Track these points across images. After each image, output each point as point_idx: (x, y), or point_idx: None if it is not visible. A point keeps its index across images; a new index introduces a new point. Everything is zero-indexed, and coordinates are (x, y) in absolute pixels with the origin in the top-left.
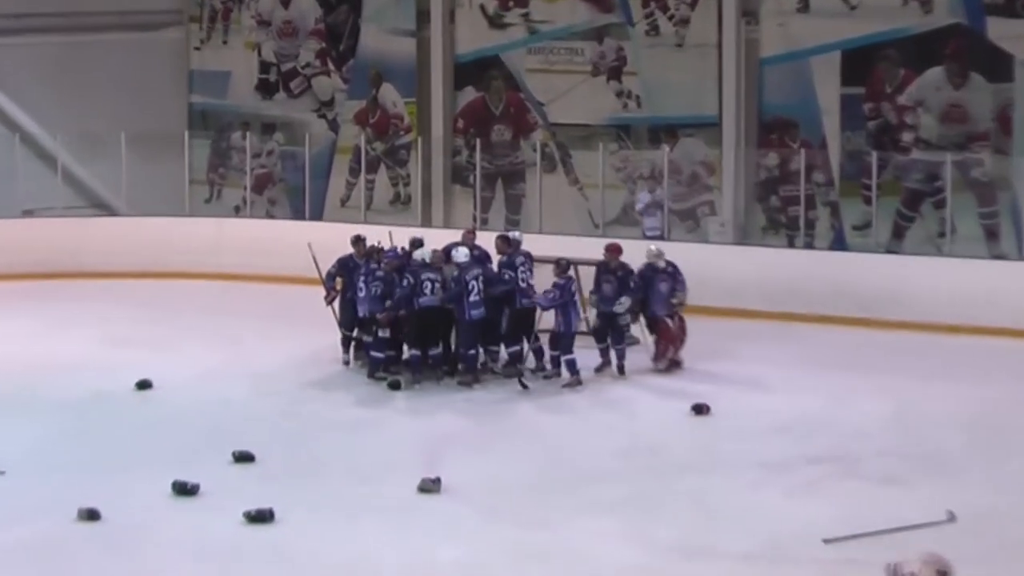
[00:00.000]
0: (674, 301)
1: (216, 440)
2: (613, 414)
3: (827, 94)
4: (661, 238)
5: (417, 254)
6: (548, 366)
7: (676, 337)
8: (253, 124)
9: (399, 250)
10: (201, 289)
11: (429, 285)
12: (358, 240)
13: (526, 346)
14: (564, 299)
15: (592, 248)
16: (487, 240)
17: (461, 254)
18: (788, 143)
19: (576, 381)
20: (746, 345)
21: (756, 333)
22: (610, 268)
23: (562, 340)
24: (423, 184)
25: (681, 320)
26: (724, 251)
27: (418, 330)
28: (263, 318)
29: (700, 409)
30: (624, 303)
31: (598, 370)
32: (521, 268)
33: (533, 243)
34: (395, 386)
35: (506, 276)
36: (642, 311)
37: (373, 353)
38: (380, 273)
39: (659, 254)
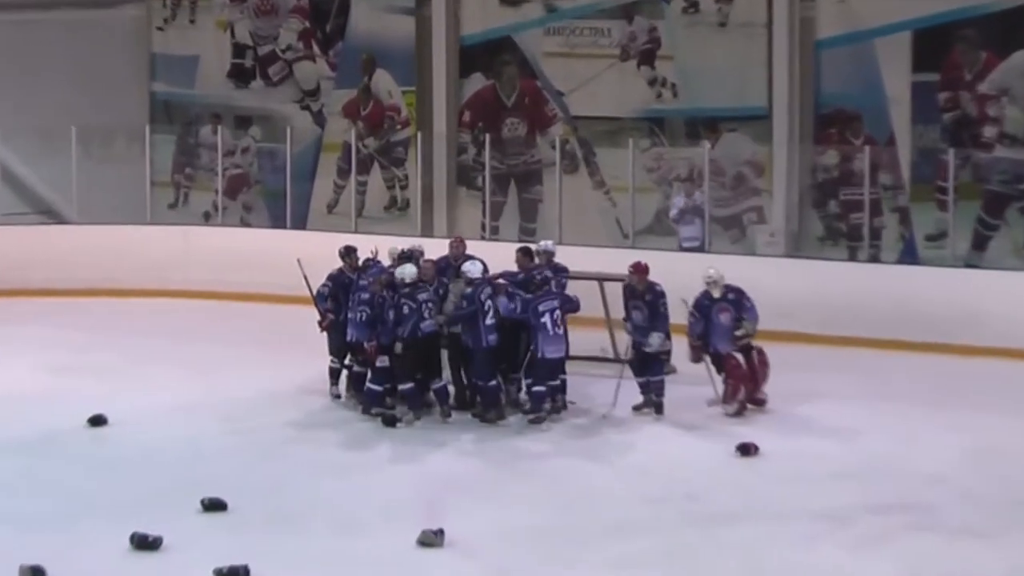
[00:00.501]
0: (738, 334)
1: (182, 485)
2: (644, 455)
3: (895, 82)
4: (700, 249)
5: (399, 273)
6: (560, 399)
7: (746, 375)
8: (225, 117)
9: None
10: (165, 309)
11: (427, 308)
12: (348, 252)
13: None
14: (526, 312)
15: (620, 261)
16: (497, 253)
17: (475, 268)
18: (849, 139)
19: (539, 419)
20: (800, 375)
21: (812, 360)
22: (637, 292)
23: (534, 367)
24: (423, 187)
25: (760, 352)
26: (774, 265)
27: (414, 361)
28: (238, 343)
29: (747, 449)
30: (655, 342)
31: (637, 408)
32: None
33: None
34: (390, 422)
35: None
36: (704, 347)
37: (370, 385)
38: (365, 296)
39: (716, 280)
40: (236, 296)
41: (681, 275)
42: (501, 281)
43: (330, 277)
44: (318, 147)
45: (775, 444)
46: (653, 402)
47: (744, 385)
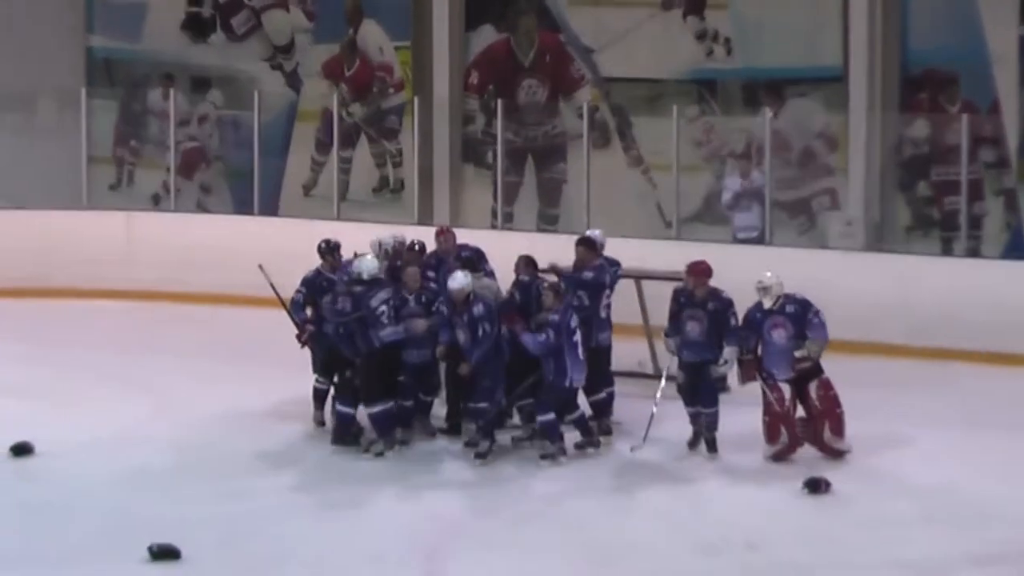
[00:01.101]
0: (798, 354)
1: (126, 529)
2: (690, 496)
3: (1000, 36)
4: (759, 241)
5: (357, 266)
6: (605, 422)
7: (784, 414)
8: (179, 78)
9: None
10: (104, 313)
11: (384, 310)
12: (330, 249)
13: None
14: (559, 342)
15: (662, 255)
16: (511, 246)
17: (487, 287)
18: (943, 106)
19: (558, 450)
20: (882, 394)
21: (896, 377)
22: (695, 300)
23: (546, 394)
24: (421, 165)
25: (824, 385)
26: (851, 261)
27: (378, 377)
28: (194, 355)
29: (817, 486)
30: (729, 359)
31: (692, 445)
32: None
33: (572, 248)
34: (375, 452)
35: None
36: (757, 366)
37: (340, 408)
38: (339, 304)
39: (769, 287)
40: (192, 297)
41: (735, 272)
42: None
43: (305, 281)
44: (292, 115)
45: (851, 480)
46: (704, 438)
47: (785, 427)
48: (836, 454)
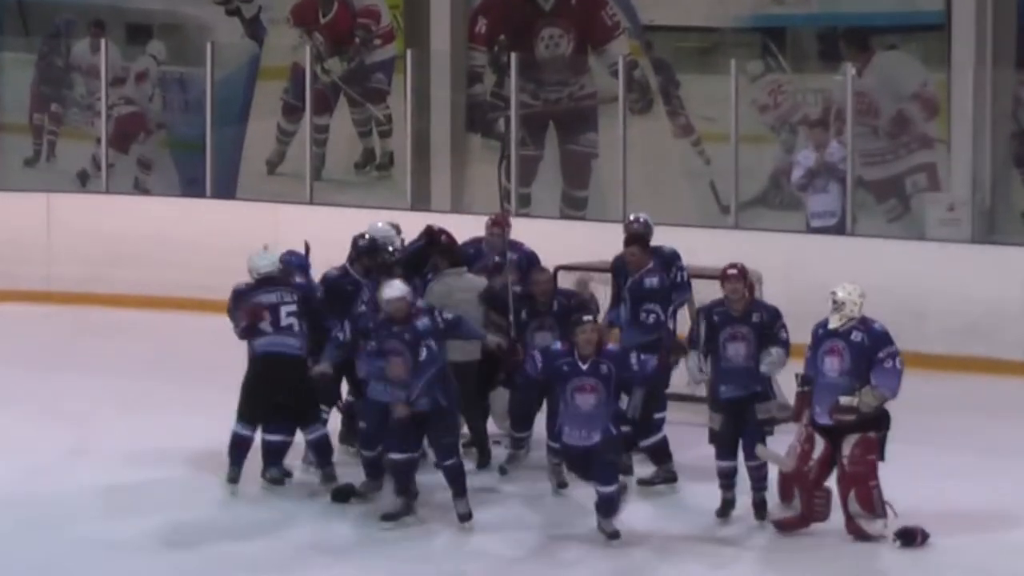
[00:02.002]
0: (843, 402)
1: None
2: (755, 543)
3: None
4: (839, 229)
5: (255, 263)
6: (667, 467)
7: (805, 475)
8: (112, 25)
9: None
10: (16, 319)
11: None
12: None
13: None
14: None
15: (717, 247)
16: (529, 236)
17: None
18: None
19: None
20: (994, 422)
21: (1014, 399)
22: (734, 313)
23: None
24: (416, 135)
25: (865, 447)
26: (955, 254)
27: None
28: (127, 373)
29: (910, 537)
30: (774, 360)
31: (723, 513)
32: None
33: (604, 239)
34: (343, 496)
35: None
36: (808, 400)
37: (267, 436)
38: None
39: (843, 302)
40: (126, 301)
41: (808, 268)
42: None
43: (326, 279)
44: (253, 73)
45: (955, 529)
46: (753, 500)
47: (801, 490)
48: (862, 535)
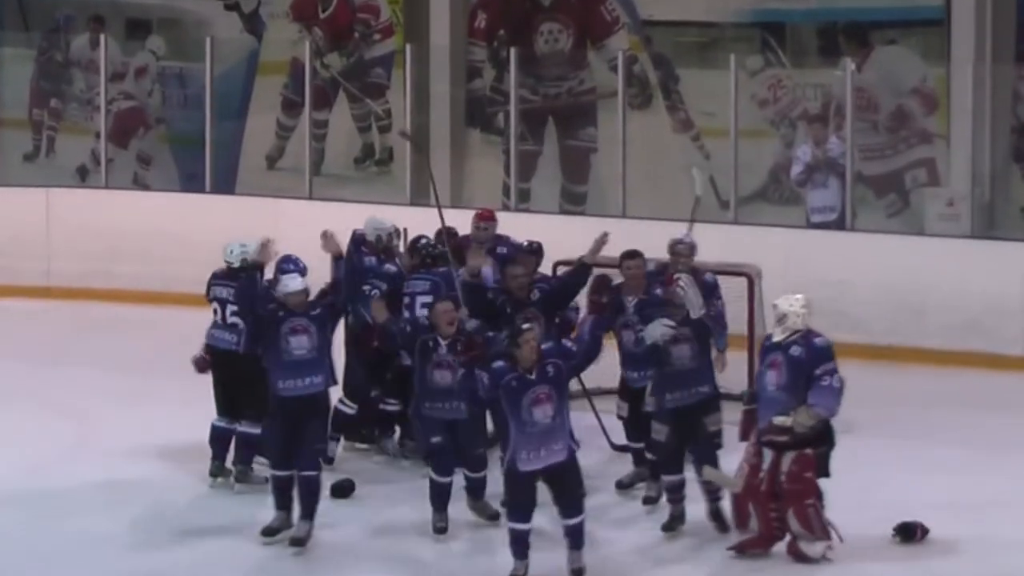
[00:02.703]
0: (776, 421)
1: None
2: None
3: None
4: (839, 225)
5: (225, 253)
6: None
7: (756, 489)
8: (111, 21)
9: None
10: (16, 315)
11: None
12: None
13: None
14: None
15: (718, 243)
16: (531, 231)
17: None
18: None
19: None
20: (995, 417)
21: (1014, 395)
22: (782, 340)
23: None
24: (416, 130)
25: (803, 464)
26: (954, 249)
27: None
28: (127, 368)
29: (910, 532)
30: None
31: (669, 528)
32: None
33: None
34: (343, 492)
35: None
36: (754, 418)
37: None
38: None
39: (784, 314)
40: (126, 296)
41: (809, 263)
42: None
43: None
44: (252, 68)
45: (955, 524)
46: (708, 511)
47: (756, 509)
48: (801, 557)
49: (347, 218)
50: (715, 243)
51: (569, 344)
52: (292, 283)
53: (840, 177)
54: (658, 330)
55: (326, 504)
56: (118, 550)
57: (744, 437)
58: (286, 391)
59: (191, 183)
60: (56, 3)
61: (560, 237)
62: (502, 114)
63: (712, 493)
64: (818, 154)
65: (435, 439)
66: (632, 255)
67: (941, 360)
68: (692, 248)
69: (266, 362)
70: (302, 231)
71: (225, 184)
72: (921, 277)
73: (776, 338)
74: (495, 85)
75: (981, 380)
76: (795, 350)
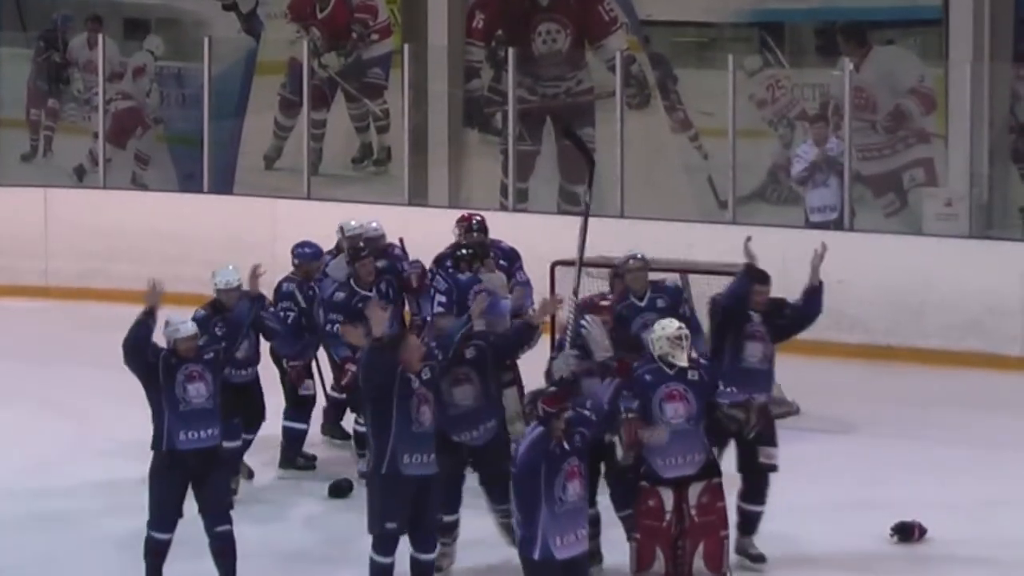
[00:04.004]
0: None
1: None
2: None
3: None
4: (838, 224)
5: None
6: None
7: (664, 532)
8: (109, 21)
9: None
10: (14, 314)
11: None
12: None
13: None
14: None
15: (715, 243)
16: (528, 233)
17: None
18: None
19: None
20: (994, 417)
21: (1012, 394)
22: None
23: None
24: (413, 130)
25: (714, 493)
26: (952, 249)
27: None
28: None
29: (908, 532)
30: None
31: None
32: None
33: (607, 236)
34: (340, 492)
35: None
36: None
37: (288, 423)
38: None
39: (667, 337)
40: (124, 296)
41: (807, 263)
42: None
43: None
44: (250, 68)
45: (953, 523)
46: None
47: (664, 551)
48: None
49: (344, 218)
50: (713, 243)
51: (587, 412)
52: (183, 328)
53: (839, 177)
54: (564, 363)
55: (325, 505)
56: (118, 550)
57: (632, 442)
58: (185, 444)
59: (189, 183)
60: (54, 3)
61: (558, 237)
62: (500, 114)
63: (631, 531)
64: (818, 154)
65: (391, 525)
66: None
67: (940, 360)
68: (646, 264)
69: (154, 415)
70: (300, 231)
71: (223, 184)
72: (920, 277)
73: (679, 362)
74: (493, 85)
75: (980, 380)
76: (698, 373)
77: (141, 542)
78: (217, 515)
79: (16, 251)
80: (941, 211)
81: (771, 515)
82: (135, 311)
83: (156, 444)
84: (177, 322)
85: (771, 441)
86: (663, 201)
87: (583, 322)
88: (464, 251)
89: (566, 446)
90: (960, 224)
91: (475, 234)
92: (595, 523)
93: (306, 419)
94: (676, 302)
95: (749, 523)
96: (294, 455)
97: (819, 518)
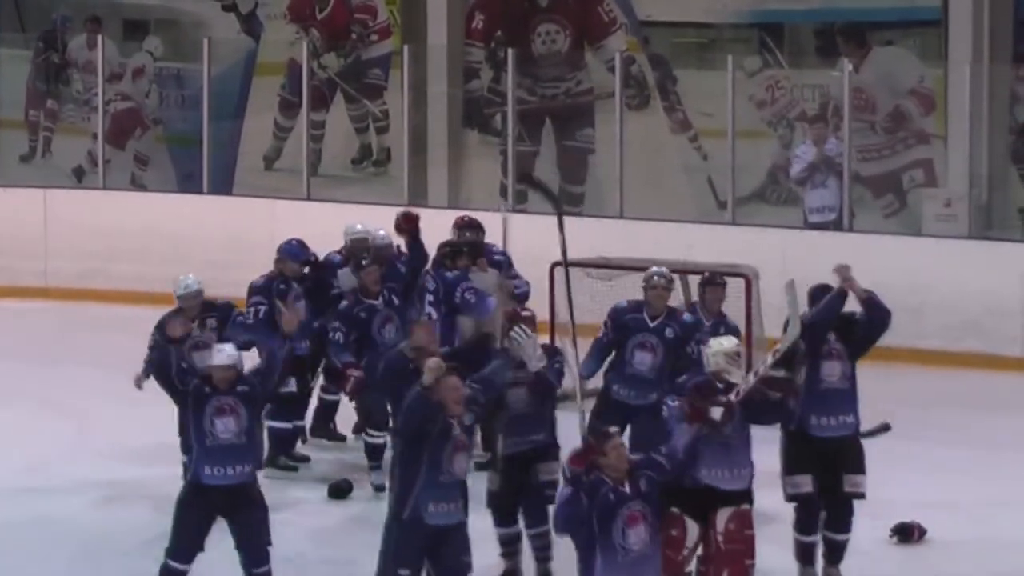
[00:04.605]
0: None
1: None
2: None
3: None
4: (837, 225)
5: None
6: None
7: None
8: (108, 21)
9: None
10: (14, 314)
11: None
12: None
13: None
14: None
15: (714, 243)
16: (527, 235)
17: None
18: None
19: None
20: (991, 417)
21: (1011, 395)
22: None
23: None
24: (413, 130)
25: (742, 520)
26: (952, 250)
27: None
28: (126, 368)
29: (907, 532)
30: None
31: None
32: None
33: (607, 237)
34: (340, 493)
35: None
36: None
37: (271, 423)
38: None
39: (724, 353)
40: (123, 297)
41: (806, 264)
42: None
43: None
44: (250, 69)
45: (952, 524)
46: (537, 572)
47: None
48: None
49: (344, 219)
50: (713, 243)
51: (660, 458)
52: (218, 356)
53: (839, 178)
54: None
55: (324, 504)
56: (118, 550)
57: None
58: (210, 479)
59: (188, 184)
60: (53, 4)
61: (557, 238)
62: (500, 115)
63: (541, 551)
64: (817, 155)
65: (404, 572)
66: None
67: (939, 360)
68: (669, 284)
69: (182, 446)
70: (299, 232)
71: (222, 185)
72: (919, 278)
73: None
74: (492, 86)
75: (979, 380)
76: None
77: (141, 542)
78: (255, 557)
79: (16, 252)
80: (940, 212)
81: (770, 516)
82: (135, 311)
83: (186, 472)
84: (217, 346)
85: (858, 468)
86: (663, 202)
87: (514, 332)
88: (449, 247)
89: (625, 489)
90: (959, 225)
91: (467, 233)
92: (513, 542)
93: (289, 418)
94: (686, 337)
95: (835, 552)
96: (277, 455)
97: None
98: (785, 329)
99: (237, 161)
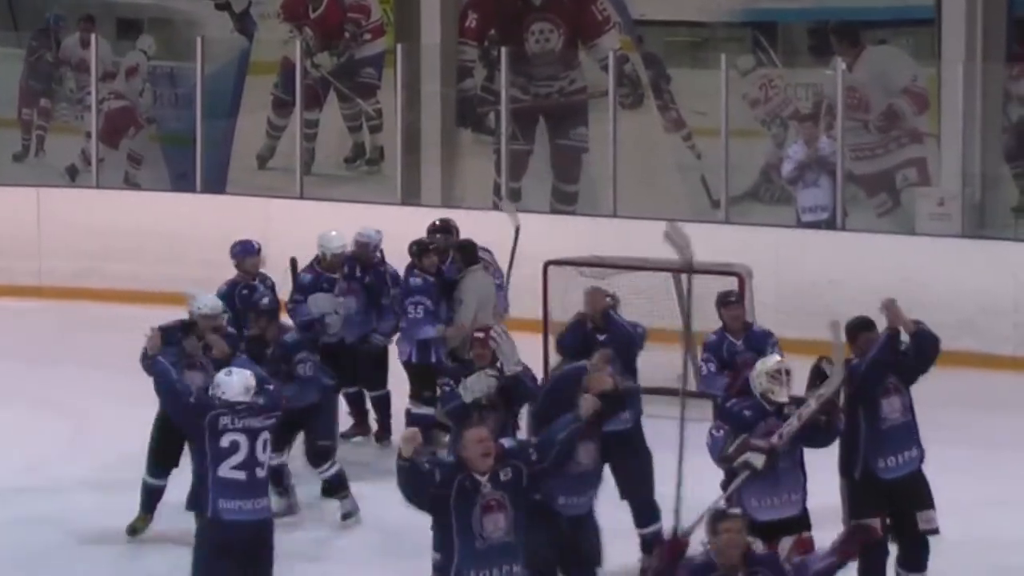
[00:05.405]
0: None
1: None
2: None
3: None
4: (830, 224)
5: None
6: None
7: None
8: (102, 20)
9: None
10: (8, 314)
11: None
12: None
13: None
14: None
15: (708, 242)
16: (510, 230)
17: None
18: None
19: None
20: (988, 416)
21: (1006, 394)
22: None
23: None
24: (406, 129)
25: (802, 545)
26: (945, 248)
27: None
28: (121, 368)
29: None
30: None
31: None
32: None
33: (600, 236)
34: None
35: None
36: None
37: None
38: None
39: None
40: (117, 295)
41: (799, 263)
42: None
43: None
44: (243, 68)
45: (950, 524)
46: None
47: None
48: None
49: (337, 218)
50: (706, 242)
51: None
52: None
53: (832, 176)
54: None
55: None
56: (116, 550)
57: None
58: (229, 514)
59: (182, 183)
60: (46, 2)
61: (551, 237)
62: (493, 114)
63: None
64: (810, 154)
65: None
66: None
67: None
68: (740, 303)
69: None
70: (293, 231)
71: (216, 184)
72: (912, 277)
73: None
74: (486, 85)
75: (974, 380)
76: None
77: (138, 542)
78: None
79: (10, 251)
80: (934, 211)
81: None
82: (129, 310)
83: (194, 505)
84: (238, 366)
85: (928, 503)
86: (656, 200)
87: (493, 332)
88: (417, 245)
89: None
90: (953, 224)
91: (437, 236)
92: None
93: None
94: (761, 347)
95: None
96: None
97: (818, 519)
98: (827, 373)
99: (230, 160)
